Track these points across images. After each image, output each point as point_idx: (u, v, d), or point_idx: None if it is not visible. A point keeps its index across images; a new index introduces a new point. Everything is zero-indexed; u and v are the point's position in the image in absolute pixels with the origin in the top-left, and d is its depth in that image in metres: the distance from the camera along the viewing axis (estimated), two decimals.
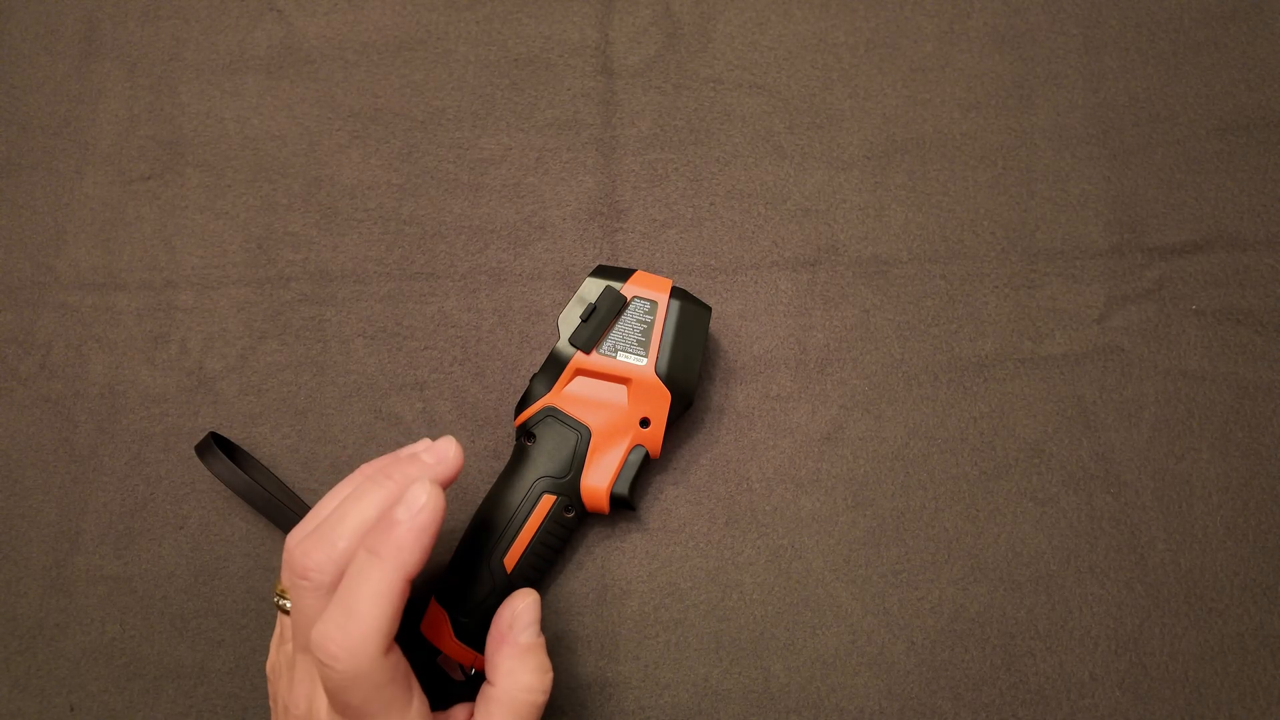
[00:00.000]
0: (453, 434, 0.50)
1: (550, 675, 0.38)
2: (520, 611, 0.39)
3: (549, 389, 0.46)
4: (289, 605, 0.38)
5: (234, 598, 0.48)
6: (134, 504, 0.50)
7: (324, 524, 0.36)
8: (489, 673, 0.39)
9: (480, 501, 0.47)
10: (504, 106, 0.55)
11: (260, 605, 0.48)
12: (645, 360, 0.45)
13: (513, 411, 0.50)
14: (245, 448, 0.50)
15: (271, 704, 0.40)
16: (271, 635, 0.47)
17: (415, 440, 0.50)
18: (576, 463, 0.46)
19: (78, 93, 0.56)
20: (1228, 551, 0.48)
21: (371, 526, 0.35)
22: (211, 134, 0.55)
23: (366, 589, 0.33)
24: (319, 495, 0.49)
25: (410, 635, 0.47)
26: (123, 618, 0.48)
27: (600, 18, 0.56)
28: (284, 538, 0.49)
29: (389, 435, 0.50)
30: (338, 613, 0.33)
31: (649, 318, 0.46)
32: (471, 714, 0.39)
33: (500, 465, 0.49)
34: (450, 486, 0.49)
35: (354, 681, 0.33)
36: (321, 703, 0.36)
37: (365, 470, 0.40)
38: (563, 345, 0.46)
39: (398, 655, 0.35)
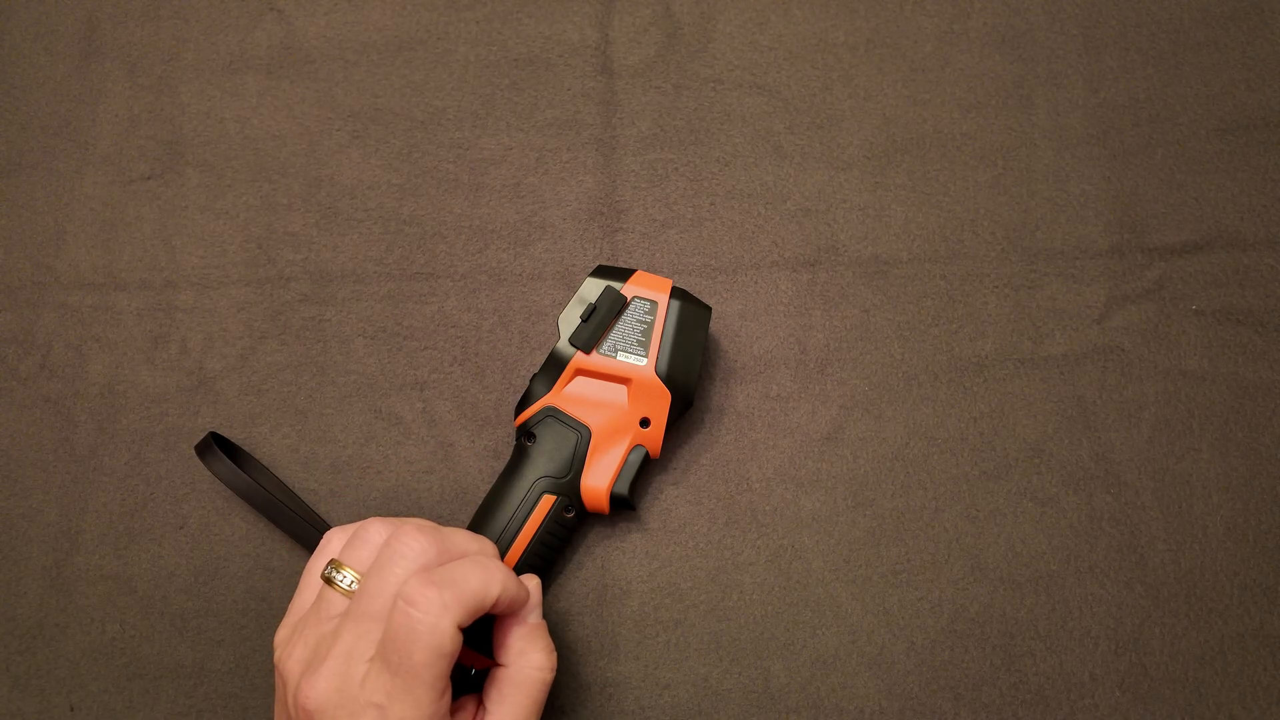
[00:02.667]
0: (452, 434, 0.50)
1: (555, 655, 0.40)
2: (529, 597, 0.41)
3: (549, 389, 0.46)
4: (347, 580, 0.38)
5: (234, 598, 0.48)
6: (134, 504, 0.50)
7: (439, 530, 0.39)
8: (499, 655, 0.40)
9: (480, 501, 0.47)
10: (504, 106, 0.55)
11: (260, 605, 0.48)
12: (645, 360, 0.45)
13: (513, 411, 0.50)
14: (245, 448, 0.50)
15: (278, 673, 0.39)
16: (276, 627, 0.47)
17: (414, 441, 0.50)
18: (576, 463, 0.46)
19: (78, 93, 0.56)
20: (1228, 551, 0.48)
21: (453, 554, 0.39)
22: (211, 134, 0.55)
23: (477, 574, 0.37)
24: (319, 495, 0.49)
25: None
26: (123, 618, 0.48)
27: (600, 18, 0.56)
28: (284, 538, 0.49)
29: (389, 435, 0.50)
30: (448, 572, 0.37)
31: (649, 318, 0.46)
32: (480, 703, 0.40)
33: (500, 465, 0.49)
34: (451, 488, 0.49)
35: (433, 635, 0.35)
36: (361, 655, 0.36)
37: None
38: (563, 345, 0.46)
39: (459, 647, 0.36)
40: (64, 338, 0.52)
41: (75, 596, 0.49)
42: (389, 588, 0.36)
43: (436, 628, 0.35)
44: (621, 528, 0.49)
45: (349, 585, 0.38)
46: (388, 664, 0.35)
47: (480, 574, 0.37)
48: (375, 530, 0.39)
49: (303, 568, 0.49)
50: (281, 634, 0.40)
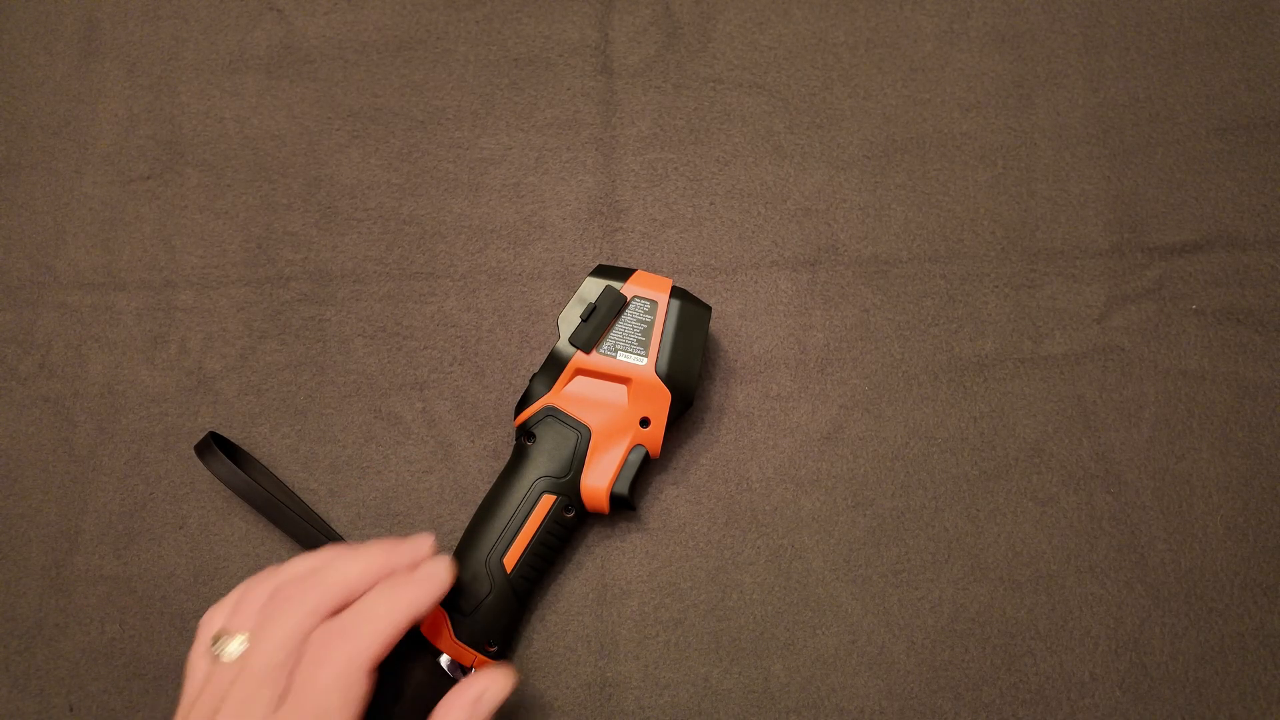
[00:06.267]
0: (452, 434, 0.50)
1: None
2: (494, 693, 0.40)
3: (549, 389, 0.46)
4: (235, 645, 0.37)
5: None
6: (134, 504, 0.50)
7: (318, 566, 0.38)
8: (438, 713, 0.39)
9: (480, 501, 0.47)
10: (504, 106, 0.55)
11: None
12: (645, 360, 0.45)
13: (513, 411, 0.50)
14: (245, 448, 0.50)
15: None
16: None
17: (414, 440, 0.50)
18: (576, 462, 0.46)
19: (78, 93, 0.56)
20: (1228, 551, 0.48)
21: (366, 580, 0.38)
22: (211, 134, 0.55)
23: (383, 608, 0.37)
24: (319, 495, 0.49)
25: (410, 635, 0.47)
26: (123, 618, 0.48)
27: (600, 18, 0.56)
28: (284, 538, 0.49)
29: (389, 435, 0.50)
30: (354, 618, 0.36)
31: (649, 317, 0.46)
32: None
33: (500, 465, 0.49)
34: (451, 488, 0.49)
35: (337, 683, 0.35)
36: (253, 713, 0.35)
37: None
38: (563, 345, 0.46)
39: (372, 688, 0.36)
40: (64, 338, 0.52)
41: (75, 596, 0.49)
42: (271, 645, 0.36)
43: (347, 673, 0.35)
44: (621, 528, 0.49)
45: (237, 650, 0.37)
46: (297, 713, 0.35)
47: (386, 608, 0.37)
48: (258, 592, 0.38)
49: None
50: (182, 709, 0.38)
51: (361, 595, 0.37)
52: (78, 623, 0.48)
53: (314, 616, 0.36)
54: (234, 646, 0.37)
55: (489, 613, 0.44)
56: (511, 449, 0.49)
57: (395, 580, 0.38)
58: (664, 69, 0.55)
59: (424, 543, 0.40)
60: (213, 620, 0.39)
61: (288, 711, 0.35)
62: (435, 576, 0.39)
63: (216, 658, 0.37)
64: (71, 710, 0.47)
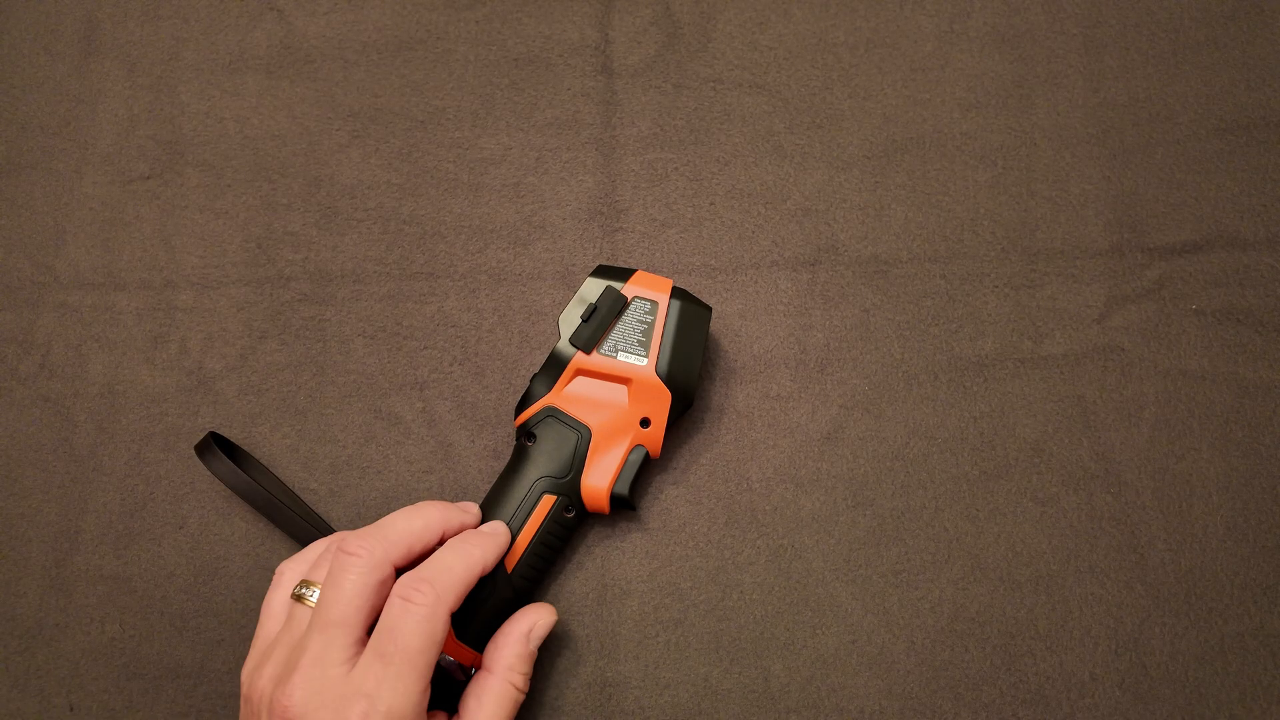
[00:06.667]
0: (452, 434, 0.50)
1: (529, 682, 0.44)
2: (543, 625, 0.44)
3: (549, 389, 0.46)
4: (317, 596, 0.40)
5: (234, 598, 0.48)
6: (134, 504, 0.50)
7: (382, 523, 0.41)
8: (487, 659, 0.43)
9: (480, 501, 0.47)
10: (504, 106, 0.55)
11: (260, 605, 0.48)
12: (645, 360, 0.45)
13: (513, 411, 0.50)
14: (245, 448, 0.50)
15: (248, 701, 0.40)
16: None
17: (414, 440, 0.50)
18: (577, 463, 0.46)
19: (78, 93, 0.56)
20: (1228, 551, 0.48)
21: (425, 535, 0.41)
22: (211, 134, 0.55)
23: (459, 561, 0.40)
24: (319, 495, 0.49)
25: None
26: (123, 618, 0.48)
27: (600, 18, 0.56)
28: (284, 538, 0.49)
29: (389, 435, 0.50)
30: (435, 566, 0.40)
31: (649, 318, 0.46)
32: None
33: (500, 465, 0.49)
34: (451, 488, 0.50)
35: (425, 623, 0.38)
36: (332, 659, 0.37)
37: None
38: (563, 345, 0.46)
39: (447, 634, 0.39)
40: (64, 338, 0.52)
41: (75, 596, 0.49)
42: (345, 595, 0.38)
43: (432, 616, 0.38)
44: (621, 528, 0.49)
45: (315, 602, 0.40)
46: (381, 655, 0.37)
47: (460, 560, 0.40)
48: (335, 549, 0.41)
49: None
50: (249, 665, 0.41)
51: (421, 548, 0.41)
52: (78, 623, 0.48)
53: (380, 569, 0.39)
54: (314, 598, 0.40)
55: (489, 613, 0.44)
56: (511, 449, 0.49)
57: (465, 536, 0.42)
58: (664, 69, 0.55)
59: (471, 506, 0.45)
60: (285, 574, 0.43)
61: (373, 653, 0.38)
62: (500, 534, 0.43)
63: (297, 602, 0.40)
64: (71, 710, 0.47)
